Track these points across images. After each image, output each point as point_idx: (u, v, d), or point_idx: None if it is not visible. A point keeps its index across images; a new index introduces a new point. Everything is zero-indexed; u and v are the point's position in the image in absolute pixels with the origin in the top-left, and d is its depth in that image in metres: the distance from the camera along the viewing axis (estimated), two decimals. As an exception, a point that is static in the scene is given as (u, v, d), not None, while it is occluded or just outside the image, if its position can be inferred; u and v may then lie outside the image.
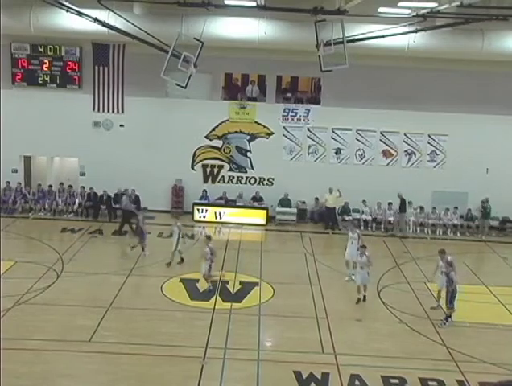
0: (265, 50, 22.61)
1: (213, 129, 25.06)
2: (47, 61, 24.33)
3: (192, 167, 25.31)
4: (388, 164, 25.15)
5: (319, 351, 13.58)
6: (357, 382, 12.26)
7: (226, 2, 18.18)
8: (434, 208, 24.60)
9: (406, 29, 19.10)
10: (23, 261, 18.34)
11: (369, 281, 16.61)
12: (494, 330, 15.17)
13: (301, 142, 25.12)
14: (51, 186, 25.11)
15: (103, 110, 24.82)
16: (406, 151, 25.17)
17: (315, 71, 19.24)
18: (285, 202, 25.06)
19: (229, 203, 24.81)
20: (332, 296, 16.84)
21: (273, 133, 25.08)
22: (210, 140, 25.19)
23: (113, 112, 24.82)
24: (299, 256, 20.80)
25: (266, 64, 24.02)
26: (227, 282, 17.57)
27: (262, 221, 24.55)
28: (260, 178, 25.38)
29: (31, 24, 21.68)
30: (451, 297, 15.11)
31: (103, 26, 18.66)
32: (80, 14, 17.86)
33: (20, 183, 25.06)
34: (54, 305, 15.40)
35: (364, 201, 24.45)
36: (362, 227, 23.66)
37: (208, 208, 24.62)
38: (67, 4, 16.92)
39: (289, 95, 25.82)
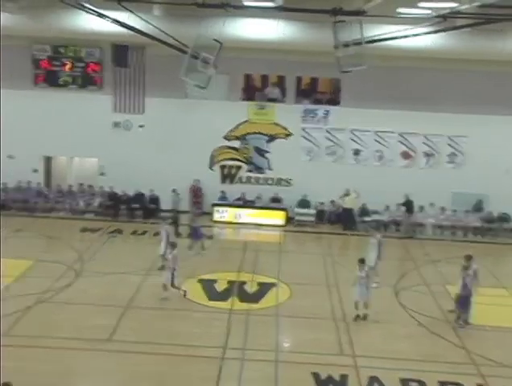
0: (283, 50, 22.57)
1: (232, 130, 25.14)
2: (68, 62, 24.60)
3: (211, 168, 25.39)
4: (407, 165, 25.01)
5: (337, 353, 13.51)
6: (375, 384, 12.15)
7: (245, 3, 18.19)
8: (454, 210, 24.39)
9: (426, 30, 18.94)
10: (44, 261, 18.53)
11: (368, 298, 15.23)
12: (515, 334, 14.95)
13: (320, 143, 25.07)
14: (71, 186, 25.35)
15: (124, 111, 25.00)
16: (425, 152, 25.01)
17: (335, 72, 19.11)
18: (304, 203, 25.02)
19: (248, 204, 24.84)
20: (350, 297, 16.70)
21: (292, 134, 25.09)
22: (228, 140, 25.27)
23: (134, 112, 24.98)
24: (317, 257, 20.75)
25: (285, 65, 24.00)
26: (245, 283, 17.58)
27: (281, 222, 24.52)
28: (278, 179, 25.39)
29: (52, 26, 21.85)
30: (463, 302, 14.92)
31: (123, 27, 18.76)
32: (100, 15, 17.99)
33: (40, 183, 25.34)
34: (73, 303, 15.52)
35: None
36: (383, 230, 23.38)
37: (228, 209, 24.70)
38: (87, 5, 17.06)
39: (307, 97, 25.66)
